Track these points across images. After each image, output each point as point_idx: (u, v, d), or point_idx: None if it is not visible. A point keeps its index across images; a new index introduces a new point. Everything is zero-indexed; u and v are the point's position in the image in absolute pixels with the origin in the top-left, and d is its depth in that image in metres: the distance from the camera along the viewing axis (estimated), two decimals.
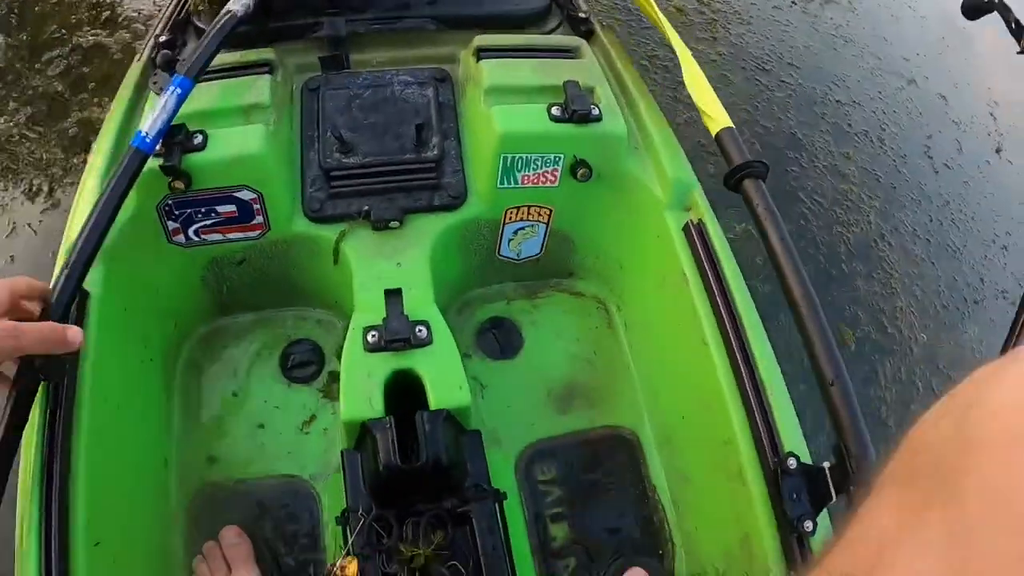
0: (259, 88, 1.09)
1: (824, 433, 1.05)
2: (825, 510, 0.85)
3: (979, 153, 2.59)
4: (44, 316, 0.79)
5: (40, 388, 0.81)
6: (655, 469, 1.16)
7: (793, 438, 0.90)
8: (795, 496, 0.84)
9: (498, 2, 1.30)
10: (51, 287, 0.83)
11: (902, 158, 2.39)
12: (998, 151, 2.65)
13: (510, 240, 1.21)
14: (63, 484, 0.81)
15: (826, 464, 0.81)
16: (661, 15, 1.23)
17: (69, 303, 0.83)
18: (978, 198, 2.40)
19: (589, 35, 1.34)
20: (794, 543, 0.84)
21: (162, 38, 1.23)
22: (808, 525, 0.82)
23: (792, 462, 0.85)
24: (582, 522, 1.13)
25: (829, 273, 1.96)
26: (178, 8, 1.29)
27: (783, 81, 2.43)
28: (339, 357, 1.18)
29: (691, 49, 2.34)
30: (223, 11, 1.03)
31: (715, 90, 2.25)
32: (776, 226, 0.92)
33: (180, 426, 1.15)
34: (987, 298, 2.13)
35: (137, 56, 1.28)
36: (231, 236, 1.11)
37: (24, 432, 0.78)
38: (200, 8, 1.25)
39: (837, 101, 2.45)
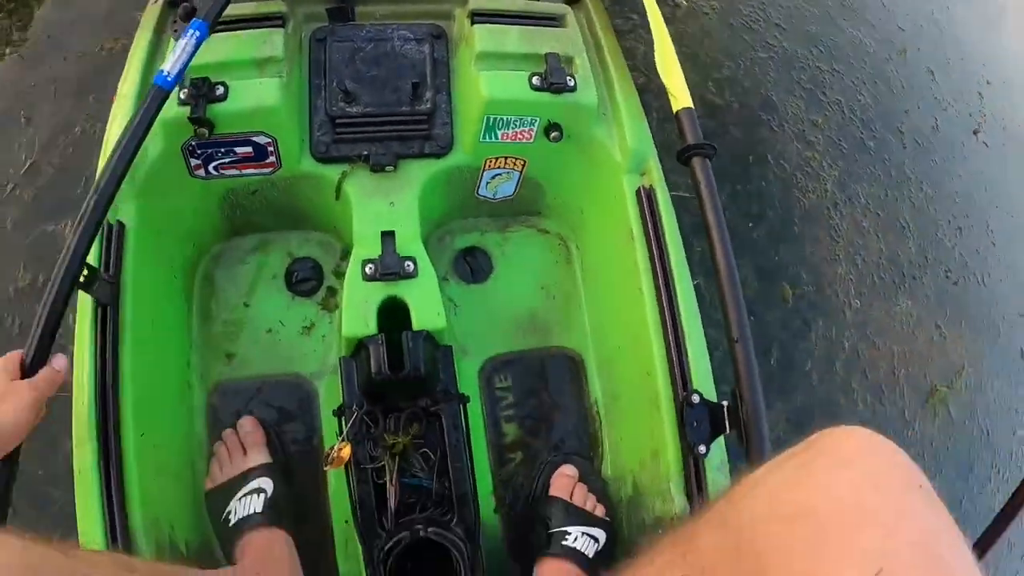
0: (273, 42, 1.26)
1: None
2: (722, 440, 1.13)
3: (954, 133, 2.67)
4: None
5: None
6: (594, 386, 1.45)
7: (702, 378, 1.17)
8: (695, 424, 1.12)
9: None
10: (81, 213, 1.01)
11: (871, 131, 2.49)
12: (975, 132, 2.73)
13: (488, 183, 1.43)
14: (115, 387, 1.06)
15: (725, 403, 1.07)
16: None
17: (96, 229, 1.00)
18: (942, 178, 2.51)
19: (576, 0, 1.51)
20: (691, 461, 1.12)
21: None
22: (702, 449, 1.09)
23: (696, 398, 1.12)
24: (530, 424, 1.42)
25: (781, 234, 2.12)
26: None
27: (768, 42, 2.49)
28: (336, 275, 1.44)
29: (684, 1, 2.39)
30: None
31: (700, 44, 2.35)
32: (713, 201, 1.12)
33: (199, 332, 1.40)
34: (927, 275, 2.30)
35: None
36: (246, 172, 1.32)
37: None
38: None
39: (817, 67, 2.52)
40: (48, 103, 2.04)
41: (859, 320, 2.09)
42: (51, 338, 0.95)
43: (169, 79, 1.09)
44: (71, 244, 0.97)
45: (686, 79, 1.27)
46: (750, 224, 2.08)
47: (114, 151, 1.03)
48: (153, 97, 1.07)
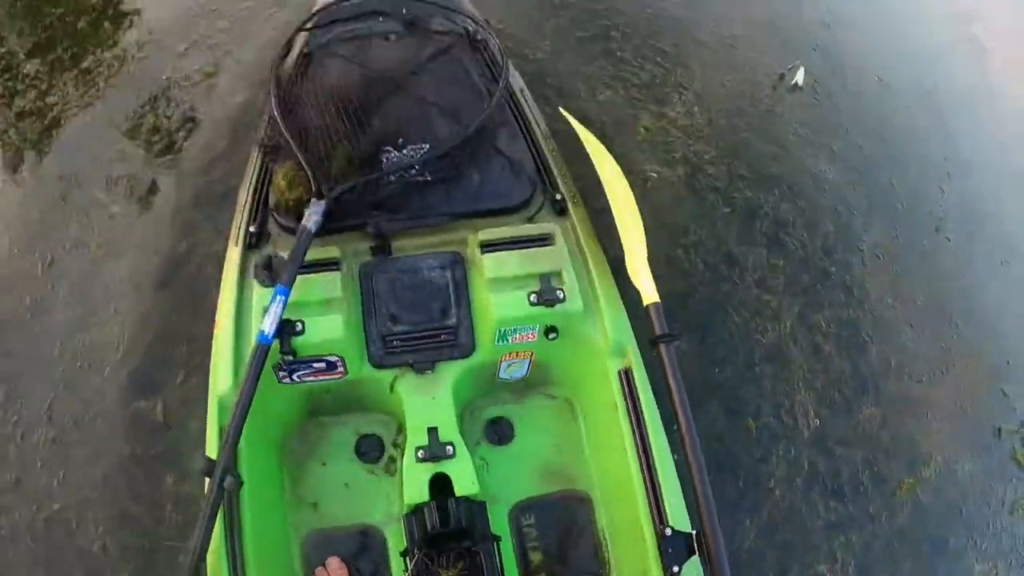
0: (333, 284, 1.86)
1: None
2: (696, 557, 1.66)
3: (916, 236, 3.12)
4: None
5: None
6: (600, 518, 1.99)
7: (676, 514, 1.71)
8: (670, 551, 1.65)
9: (494, 199, 2.05)
10: (218, 454, 1.59)
11: (832, 258, 2.94)
12: (937, 230, 3.19)
13: (505, 369, 2.01)
14: (240, 543, 1.63)
15: (694, 532, 1.60)
16: (625, 210, 1.97)
17: (230, 464, 1.59)
18: (905, 284, 2.96)
19: (564, 211, 2.09)
20: None
21: (252, 228, 2.00)
22: (676, 569, 1.63)
23: (669, 531, 1.66)
24: (551, 551, 1.97)
25: (742, 375, 2.62)
26: (256, 196, 2.05)
27: (731, 196, 2.99)
28: (394, 446, 2.01)
29: (653, 173, 3.00)
30: (300, 227, 1.80)
31: (671, 212, 2.94)
32: (676, 380, 1.67)
33: (290, 492, 1.98)
34: (890, 379, 2.76)
35: (233, 240, 2.02)
36: (321, 378, 1.90)
37: None
38: (279, 207, 1.99)
39: (779, 208, 3.00)
40: (132, 296, 2.66)
41: (818, 436, 2.60)
42: (211, 529, 1.53)
43: (269, 337, 1.68)
44: (215, 481, 1.55)
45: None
46: (716, 370, 2.62)
47: (239, 399, 1.62)
48: (259, 353, 1.67)
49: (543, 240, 1.97)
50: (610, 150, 2.21)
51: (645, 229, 1.97)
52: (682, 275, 2.78)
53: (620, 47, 3.35)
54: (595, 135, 2.26)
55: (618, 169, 2.11)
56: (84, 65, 3.34)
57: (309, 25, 2.30)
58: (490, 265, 1.89)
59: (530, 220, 2.06)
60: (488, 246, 1.93)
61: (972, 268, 3.19)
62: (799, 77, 3.44)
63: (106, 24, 3.55)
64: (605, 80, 3.23)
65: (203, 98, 3.08)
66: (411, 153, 1.98)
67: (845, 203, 3.15)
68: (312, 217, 1.81)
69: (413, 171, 1.97)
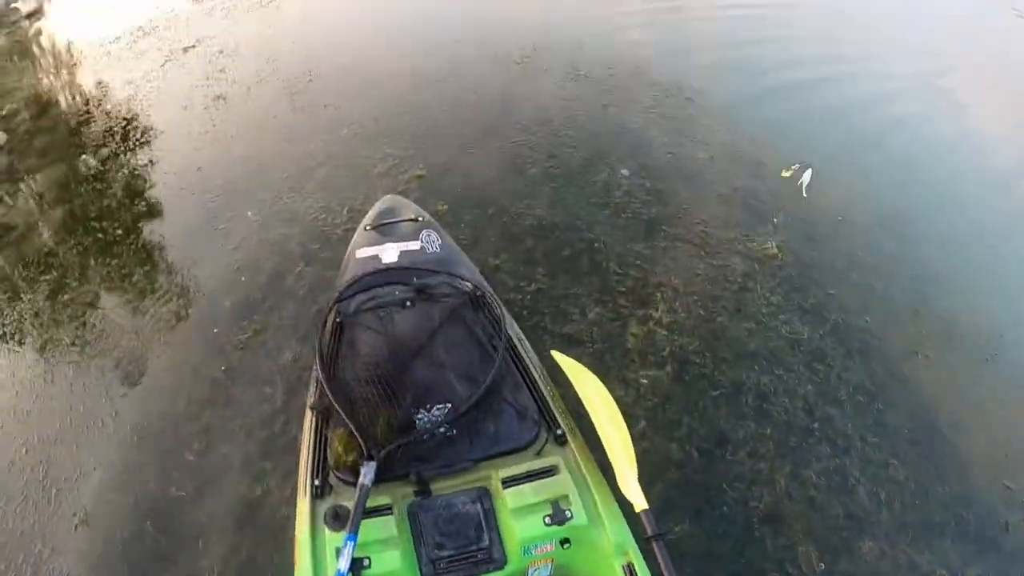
0: (388, 525, 2.51)
1: None
2: None
3: (895, 367, 3.63)
4: None
5: None
6: None
7: None
8: None
9: (507, 443, 2.73)
10: None
11: (812, 416, 3.45)
12: (916, 353, 3.71)
13: (532, 574, 2.63)
14: None
15: None
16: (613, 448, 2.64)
17: None
18: (888, 419, 3.43)
19: (565, 442, 2.76)
20: None
21: (316, 482, 2.67)
22: None
23: None
24: None
25: (745, 541, 3.11)
26: (316, 455, 2.73)
27: (718, 380, 3.56)
28: None
29: (644, 379, 3.75)
30: (359, 484, 2.48)
31: (663, 410, 3.64)
32: (668, 570, 2.31)
33: None
34: (884, 511, 3.21)
35: (301, 492, 2.69)
36: None
37: None
38: (338, 465, 2.68)
39: (759, 380, 3.53)
40: (218, 533, 3.32)
41: None
42: None
43: (345, 574, 2.33)
44: None
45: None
46: (719, 542, 3.15)
47: None
48: None
49: (550, 471, 2.64)
50: (604, 365, 2.88)
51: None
52: (677, 466, 3.34)
53: (605, 258, 4.09)
54: (587, 360, 2.95)
55: (608, 396, 2.79)
56: (143, 323, 4.14)
57: (340, 297, 3.07)
58: (511, 497, 2.56)
59: (538, 454, 2.73)
60: (507, 481, 2.60)
61: (955, 378, 3.70)
62: (806, 178, 4.03)
63: (159, 277, 4.39)
64: (594, 295, 3.92)
65: (255, 355, 3.83)
66: (437, 414, 2.71)
67: (822, 358, 3.73)
68: (367, 475, 2.50)
69: (441, 429, 2.68)
